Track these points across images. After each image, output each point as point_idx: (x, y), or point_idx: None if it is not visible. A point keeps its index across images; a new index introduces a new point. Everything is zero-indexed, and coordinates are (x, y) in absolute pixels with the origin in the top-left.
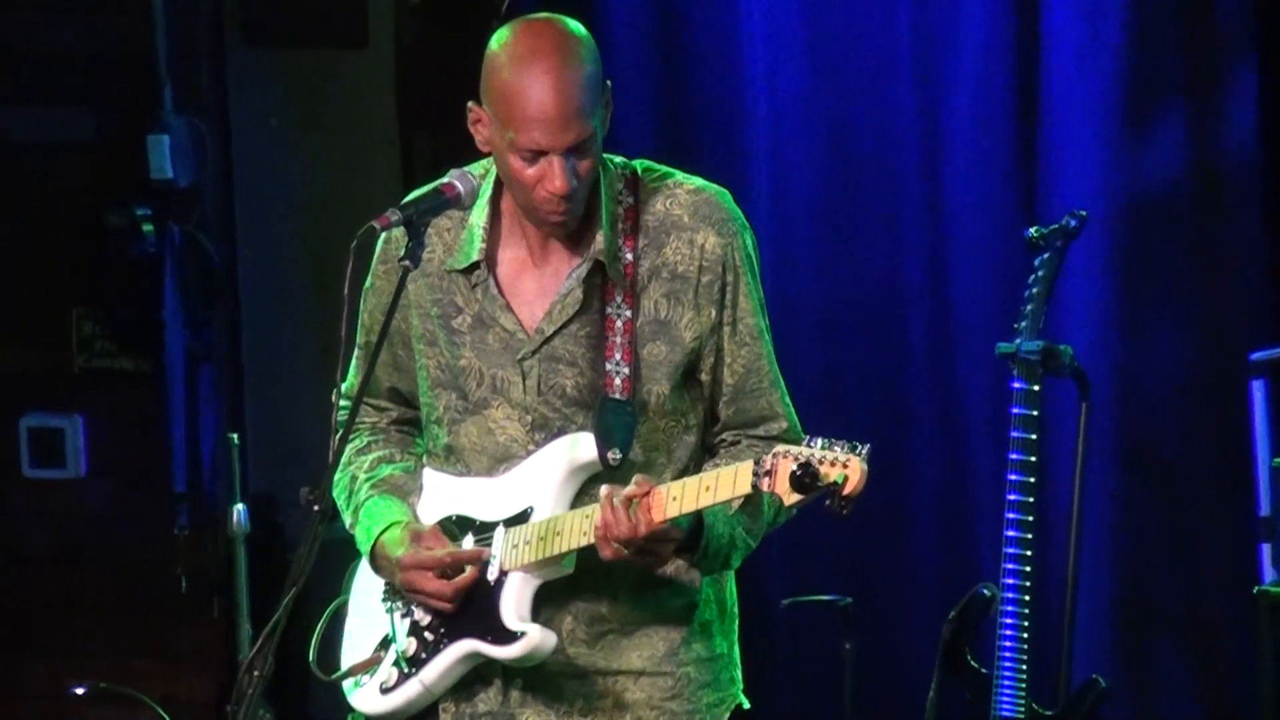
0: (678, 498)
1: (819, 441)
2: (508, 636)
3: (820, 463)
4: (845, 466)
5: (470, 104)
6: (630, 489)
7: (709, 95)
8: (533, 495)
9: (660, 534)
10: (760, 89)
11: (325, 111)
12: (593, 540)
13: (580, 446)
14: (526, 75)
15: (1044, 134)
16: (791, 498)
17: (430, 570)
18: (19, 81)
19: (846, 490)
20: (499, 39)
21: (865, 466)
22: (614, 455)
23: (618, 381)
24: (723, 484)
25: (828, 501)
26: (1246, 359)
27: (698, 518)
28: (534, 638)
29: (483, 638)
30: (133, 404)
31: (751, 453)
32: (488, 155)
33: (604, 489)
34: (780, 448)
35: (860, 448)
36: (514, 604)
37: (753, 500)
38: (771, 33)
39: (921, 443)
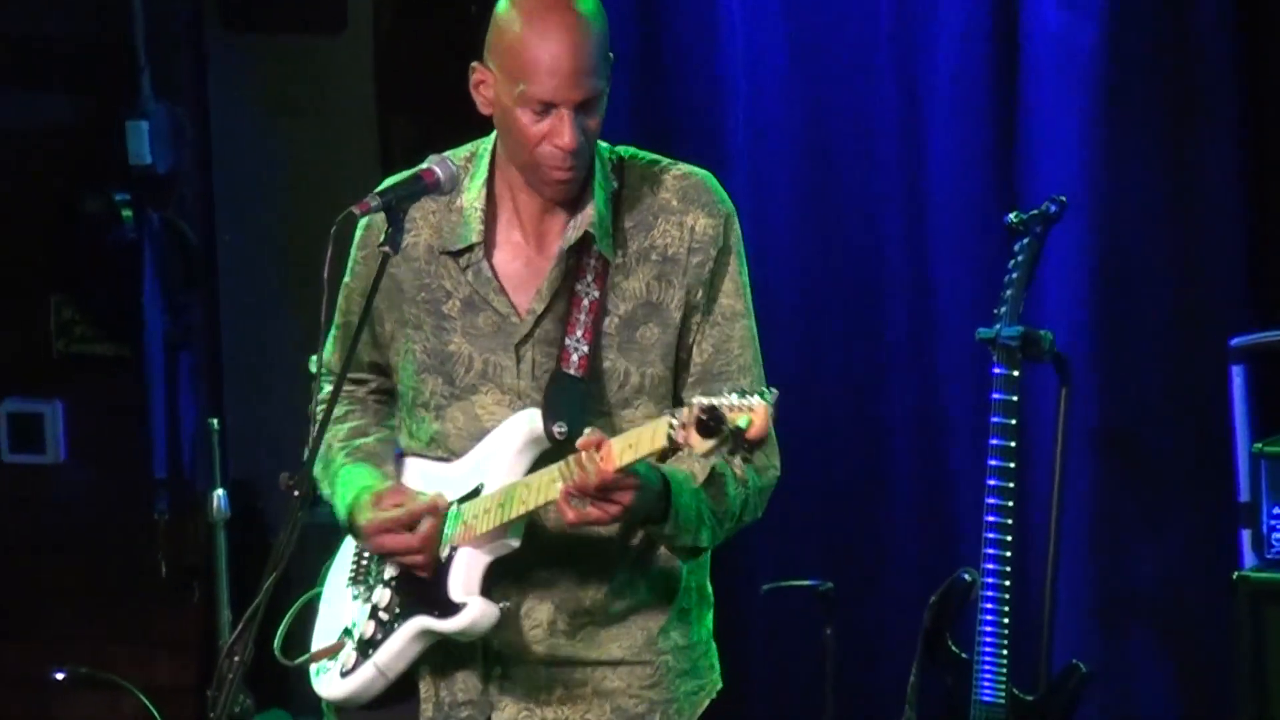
0: (605, 455)
1: (730, 391)
2: (451, 609)
3: (727, 409)
4: (750, 411)
5: (474, 64)
6: (584, 441)
7: (688, 82)
8: (484, 472)
9: (612, 483)
10: (739, 76)
11: (304, 96)
12: (530, 507)
13: (531, 422)
14: (541, 28)
15: (1024, 120)
16: (702, 446)
17: (391, 530)
18: None
19: (751, 434)
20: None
21: (770, 408)
22: (560, 429)
23: (575, 358)
24: (643, 439)
25: (732, 450)
26: (1226, 344)
27: (664, 485)
28: (474, 609)
29: (430, 612)
30: (112, 389)
31: None
32: (487, 121)
33: (570, 458)
34: (696, 399)
35: (769, 394)
36: (461, 578)
37: (714, 481)
38: (751, 20)
39: (901, 428)
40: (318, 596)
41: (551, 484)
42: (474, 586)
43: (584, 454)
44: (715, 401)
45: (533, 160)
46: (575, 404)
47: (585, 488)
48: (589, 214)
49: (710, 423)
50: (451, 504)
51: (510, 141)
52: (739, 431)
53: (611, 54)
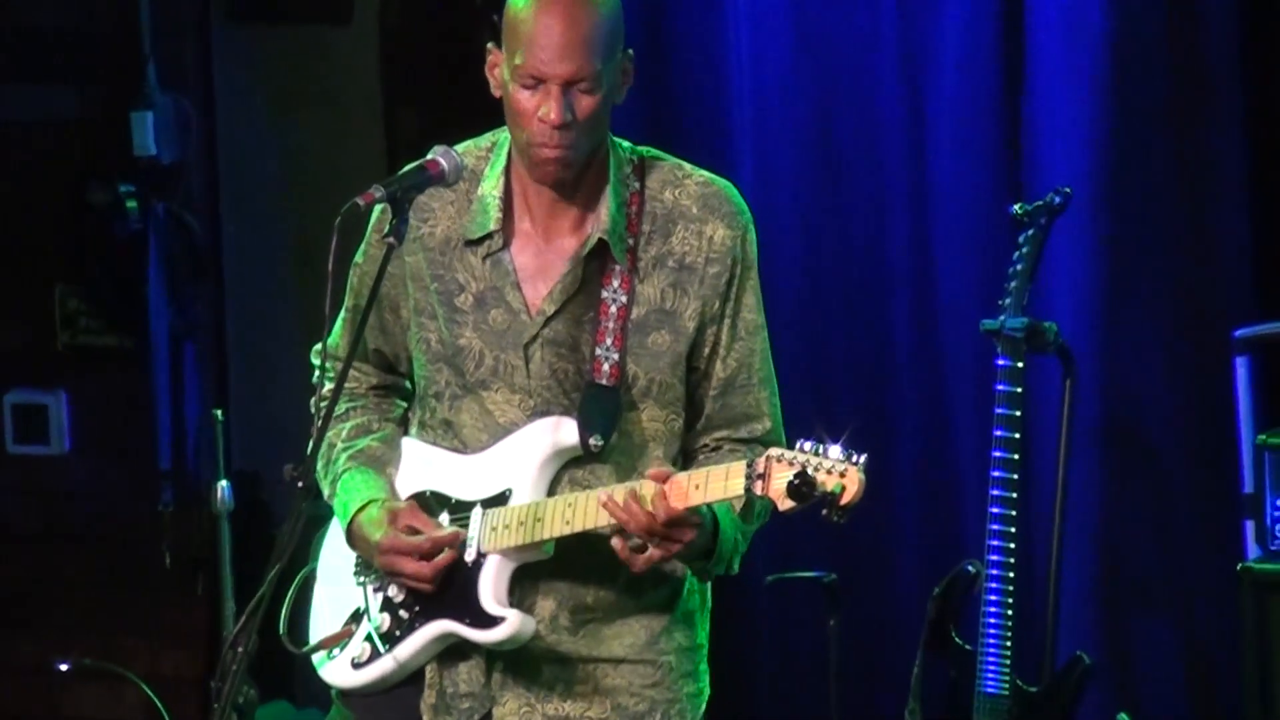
0: (675, 493)
1: (808, 445)
2: (487, 621)
3: (817, 470)
4: (843, 476)
5: (489, 45)
6: (654, 473)
7: (693, 76)
8: (511, 477)
9: (679, 519)
10: (744, 70)
11: (310, 88)
12: (574, 529)
13: (561, 430)
14: (545, 4)
15: (1028, 111)
16: (786, 504)
17: (408, 554)
18: (2, 58)
19: (844, 500)
20: None
21: (863, 477)
22: (595, 441)
23: (606, 367)
24: (714, 483)
25: (824, 511)
26: (1230, 336)
27: (714, 521)
28: (514, 623)
29: (460, 620)
30: (117, 380)
31: (734, 457)
32: (492, 112)
33: (605, 492)
34: (774, 451)
35: (857, 456)
36: (492, 587)
37: (747, 503)
38: (755, 11)
39: (906, 419)
40: (312, 573)
41: (600, 511)
42: (504, 596)
43: (649, 492)
44: (803, 463)
45: (525, 139)
46: (610, 416)
47: (652, 529)
48: (602, 219)
49: (803, 488)
50: (475, 504)
51: (510, 121)
52: (832, 496)
53: (630, 51)
